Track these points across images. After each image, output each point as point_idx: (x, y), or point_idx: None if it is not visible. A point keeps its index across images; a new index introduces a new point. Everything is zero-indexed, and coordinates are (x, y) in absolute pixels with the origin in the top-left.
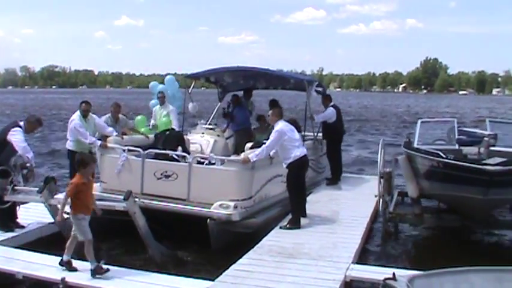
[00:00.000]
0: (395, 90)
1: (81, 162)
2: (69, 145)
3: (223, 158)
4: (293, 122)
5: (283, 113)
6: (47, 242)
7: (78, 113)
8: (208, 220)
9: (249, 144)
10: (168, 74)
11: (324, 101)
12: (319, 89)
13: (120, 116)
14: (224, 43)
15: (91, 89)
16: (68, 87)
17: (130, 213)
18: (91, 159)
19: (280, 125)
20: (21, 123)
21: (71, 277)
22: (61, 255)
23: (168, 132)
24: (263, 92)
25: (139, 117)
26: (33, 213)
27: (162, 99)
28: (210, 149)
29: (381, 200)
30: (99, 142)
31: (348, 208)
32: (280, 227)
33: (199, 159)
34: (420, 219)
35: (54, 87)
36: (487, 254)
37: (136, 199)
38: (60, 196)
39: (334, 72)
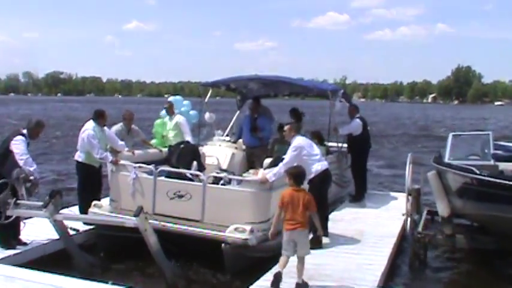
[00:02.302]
0: (424, 100)
1: (301, 175)
2: (79, 157)
3: (240, 178)
4: (316, 135)
5: (301, 126)
6: (51, 260)
7: (92, 122)
8: (222, 245)
9: (267, 160)
10: (181, 82)
11: (350, 112)
12: (343, 100)
13: (133, 126)
14: (240, 49)
15: (99, 97)
16: (74, 95)
17: (141, 230)
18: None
19: (298, 140)
20: (24, 131)
21: None
22: (65, 274)
23: (182, 146)
24: (278, 102)
25: (155, 140)
26: (36, 229)
27: (170, 110)
28: (227, 162)
29: (409, 219)
30: (110, 157)
31: (373, 227)
32: None
33: (214, 176)
34: (452, 241)
35: (59, 94)
36: None
37: (151, 221)
38: (66, 211)
39: (358, 81)
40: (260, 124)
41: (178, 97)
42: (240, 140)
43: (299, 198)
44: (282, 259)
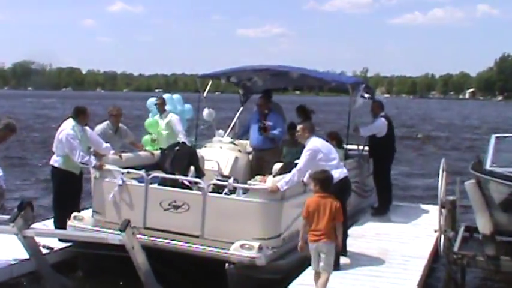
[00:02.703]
0: (461, 96)
1: (329, 179)
2: (56, 162)
3: (247, 186)
4: (334, 136)
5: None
6: (19, 283)
7: (71, 121)
8: (226, 265)
9: (277, 165)
10: (174, 74)
11: (373, 109)
12: (366, 95)
13: (121, 125)
14: (244, 36)
15: (77, 91)
16: (48, 89)
17: (127, 248)
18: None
19: (313, 142)
20: None
21: None
22: None
23: (177, 148)
24: (288, 98)
25: (147, 136)
26: (2, 248)
27: (161, 106)
28: (229, 167)
29: (443, 236)
30: (93, 162)
31: (399, 245)
32: None
33: (216, 184)
34: (495, 263)
35: (29, 88)
36: None
37: (139, 236)
38: (39, 226)
39: (381, 74)
40: (271, 122)
41: (167, 95)
42: (243, 142)
43: (326, 206)
44: (314, 276)
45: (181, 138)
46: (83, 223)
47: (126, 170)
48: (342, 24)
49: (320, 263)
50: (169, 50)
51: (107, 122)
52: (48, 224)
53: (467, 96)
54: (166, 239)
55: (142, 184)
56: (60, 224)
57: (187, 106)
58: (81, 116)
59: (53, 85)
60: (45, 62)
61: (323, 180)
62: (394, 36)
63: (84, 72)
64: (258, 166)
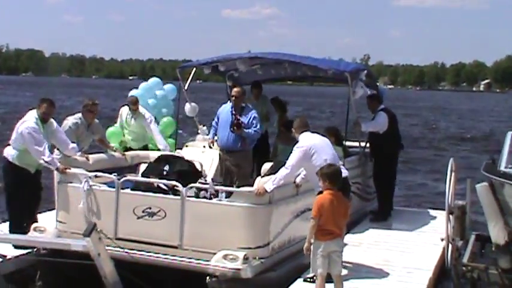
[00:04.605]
0: (475, 88)
1: (338, 173)
2: (11, 156)
3: (230, 189)
4: (333, 133)
5: (287, 119)
6: None
7: (34, 114)
8: (207, 278)
9: (267, 165)
10: (151, 59)
11: (370, 103)
12: (369, 90)
13: (95, 120)
14: (230, 18)
15: (39, 77)
16: (5, 73)
17: (92, 255)
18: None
19: (306, 137)
20: None
21: None
22: None
23: (180, 169)
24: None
25: (112, 128)
26: None
27: (135, 106)
28: (214, 170)
29: (450, 246)
30: (58, 163)
31: (401, 255)
32: (305, 280)
33: (195, 186)
34: (510, 277)
35: None
36: None
37: (110, 248)
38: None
39: (385, 62)
40: (245, 118)
41: (154, 80)
42: None
43: (340, 202)
44: (318, 282)
45: (160, 143)
46: (45, 235)
47: (93, 174)
48: (340, 5)
49: (335, 266)
50: (145, 32)
51: (80, 115)
52: (3, 229)
53: (481, 88)
54: (140, 250)
55: (113, 189)
56: (16, 227)
57: (170, 86)
58: (46, 108)
59: (10, 69)
60: (1, 43)
61: (331, 175)
62: (400, 20)
63: (47, 55)
64: (227, 171)
